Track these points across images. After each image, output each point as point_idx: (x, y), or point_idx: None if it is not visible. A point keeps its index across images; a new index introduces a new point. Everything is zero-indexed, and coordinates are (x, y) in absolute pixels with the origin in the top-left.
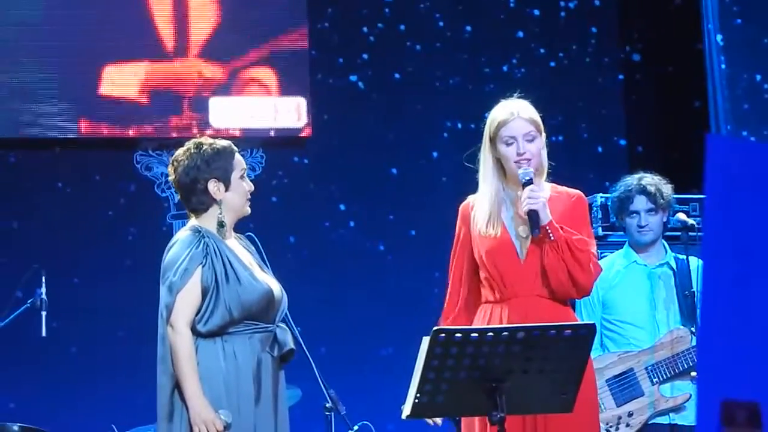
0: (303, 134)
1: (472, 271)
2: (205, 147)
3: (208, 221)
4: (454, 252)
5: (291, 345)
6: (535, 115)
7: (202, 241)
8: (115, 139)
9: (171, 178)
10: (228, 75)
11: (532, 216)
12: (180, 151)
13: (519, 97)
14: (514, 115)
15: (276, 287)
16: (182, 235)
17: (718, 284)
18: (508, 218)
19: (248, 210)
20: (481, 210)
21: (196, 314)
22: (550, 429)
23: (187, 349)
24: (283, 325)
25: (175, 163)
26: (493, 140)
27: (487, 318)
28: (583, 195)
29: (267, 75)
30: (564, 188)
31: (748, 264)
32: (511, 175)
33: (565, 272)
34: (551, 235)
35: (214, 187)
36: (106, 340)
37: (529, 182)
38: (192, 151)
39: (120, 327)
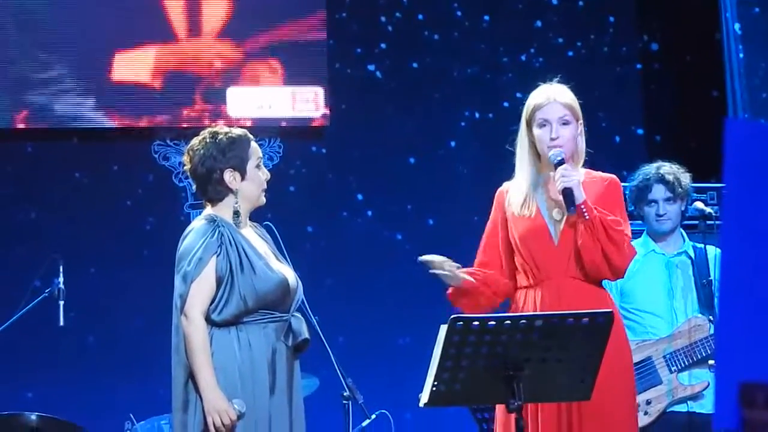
0: (321, 124)
1: (508, 254)
2: (220, 136)
3: (223, 210)
4: (488, 234)
5: (305, 335)
6: (572, 101)
7: (217, 231)
8: (132, 129)
9: (186, 167)
10: (245, 65)
11: (567, 194)
12: (195, 140)
13: (560, 81)
14: (550, 100)
15: (291, 276)
16: (197, 224)
17: (737, 266)
18: (542, 201)
19: (264, 200)
20: (517, 193)
21: (211, 303)
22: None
23: (200, 338)
24: (298, 314)
25: (190, 153)
26: (528, 123)
27: (521, 303)
28: (617, 179)
29: (285, 64)
30: (598, 173)
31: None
32: (546, 158)
33: (599, 252)
34: (586, 214)
35: (229, 176)
36: (123, 330)
37: (561, 162)
38: (207, 140)
39: (138, 317)
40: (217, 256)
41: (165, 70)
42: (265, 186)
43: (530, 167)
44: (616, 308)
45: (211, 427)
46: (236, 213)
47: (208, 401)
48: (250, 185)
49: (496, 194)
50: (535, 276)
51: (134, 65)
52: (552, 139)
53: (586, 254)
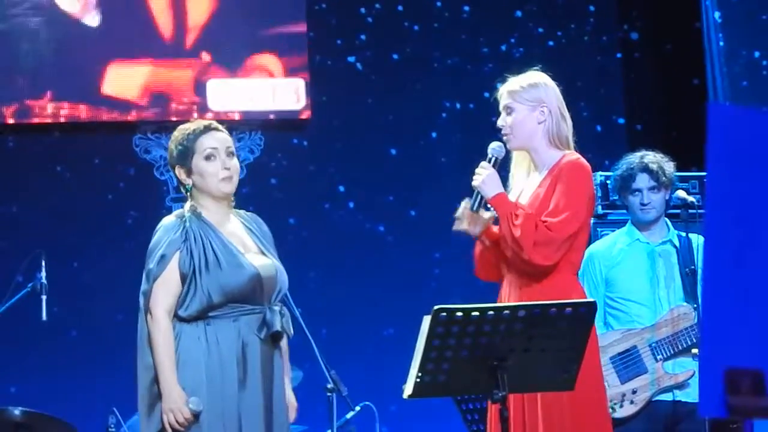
0: (302, 116)
1: None
2: (176, 133)
3: (191, 205)
4: None
5: (277, 327)
6: (520, 87)
7: (183, 227)
8: (113, 123)
9: None
10: (225, 58)
11: (475, 192)
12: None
13: (538, 69)
14: (498, 91)
15: (270, 268)
16: (166, 220)
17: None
18: (513, 194)
19: (226, 188)
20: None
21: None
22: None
23: (162, 336)
24: (277, 306)
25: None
26: None
27: (498, 295)
28: (580, 160)
29: (265, 57)
30: (568, 155)
31: (751, 231)
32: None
33: (509, 249)
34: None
35: (179, 172)
36: (106, 324)
37: (492, 159)
38: (172, 136)
39: (120, 310)
40: (180, 251)
41: (149, 71)
42: (225, 175)
43: (518, 162)
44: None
45: (167, 425)
46: (193, 209)
47: (165, 399)
48: (199, 179)
49: None
50: (505, 267)
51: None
52: (499, 130)
53: (505, 250)
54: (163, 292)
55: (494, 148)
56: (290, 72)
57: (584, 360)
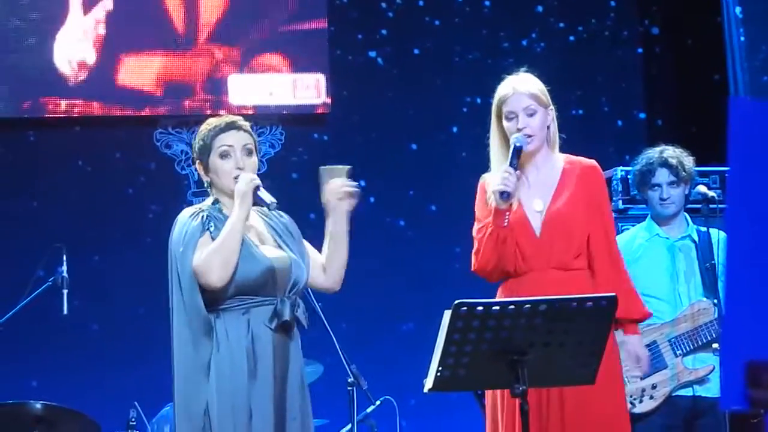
0: (322, 111)
1: None
2: (201, 127)
3: (212, 199)
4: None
5: (287, 316)
6: (536, 89)
7: (199, 215)
8: (134, 118)
9: None
10: (246, 53)
11: (511, 149)
12: None
13: (526, 71)
14: (514, 91)
15: (284, 260)
16: (181, 216)
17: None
18: (521, 194)
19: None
20: (490, 188)
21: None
22: (570, 401)
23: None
24: (292, 297)
25: None
26: (498, 117)
27: (507, 293)
28: (597, 164)
29: (286, 51)
30: (578, 159)
31: None
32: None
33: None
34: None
35: (199, 168)
36: (127, 318)
37: (519, 149)
38: (198, 131)
39: (141, 304)
40: (202, 233)
41: (168, 64)
42: (238, 174)
43: (505, 159)
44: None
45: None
46: (215, 202)
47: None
48: (215, 177)
49: (479, 186)
50: (518, 267)
51: (134, 66)
52: (519, 130)
53: None
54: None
55: (519, 138)
56: (310, 66)
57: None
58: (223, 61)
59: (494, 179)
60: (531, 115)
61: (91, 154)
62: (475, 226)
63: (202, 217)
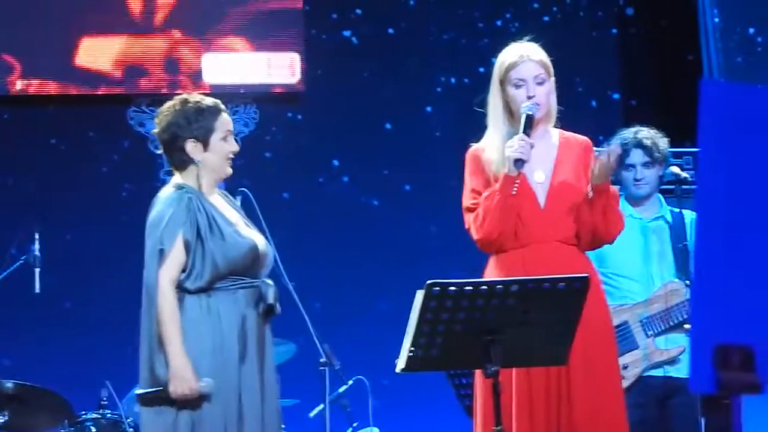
0: (297, 90)
1: None
2: (189, 104)
3: (189, 178)
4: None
5: (270, 300)
6: (545, 59)
7: (185, 198)
8: (108, 96)
9: (155, 131)
10: (220, 32)
11: (523, 118)
12: (166, 105)
13: (530, 40)
14: (524, 58)
15: (261, 242)
16: (165, 192)
17: (712, 228)
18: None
19: (229, 170)
20: (494, 156)
21: (183, 271)
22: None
23: (170, 309)
24: (268, 280)
25: (159, 117)
26: (502, 83)
27: (508, 265)
28: (590, 142)
29: (261, 31)
30: (571, 134)
31: (742, 207)
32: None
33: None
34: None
35: (191, 146)
36: (99, 296)
37: (531, 117)
38: (176, 107)
39: (114, 283)
40: (185, 224)
41: (140, 43)
42: (231, 157)
43: (506, 127)
44: (596, 272)
45: (172, 394)
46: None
47: (174, 368)
48: (213, 156)
49: (471, 156)
50: (521, 239)
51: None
52: (529, 98)
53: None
54: (170, 264)
55: (531, 106)
56: (285, 46)
57: (605, 333)
58: (198, 40)
59: (510, 145)
60: (540, 84)
61: (65, 132)
62: (470, 197)
63: (188, 201)
